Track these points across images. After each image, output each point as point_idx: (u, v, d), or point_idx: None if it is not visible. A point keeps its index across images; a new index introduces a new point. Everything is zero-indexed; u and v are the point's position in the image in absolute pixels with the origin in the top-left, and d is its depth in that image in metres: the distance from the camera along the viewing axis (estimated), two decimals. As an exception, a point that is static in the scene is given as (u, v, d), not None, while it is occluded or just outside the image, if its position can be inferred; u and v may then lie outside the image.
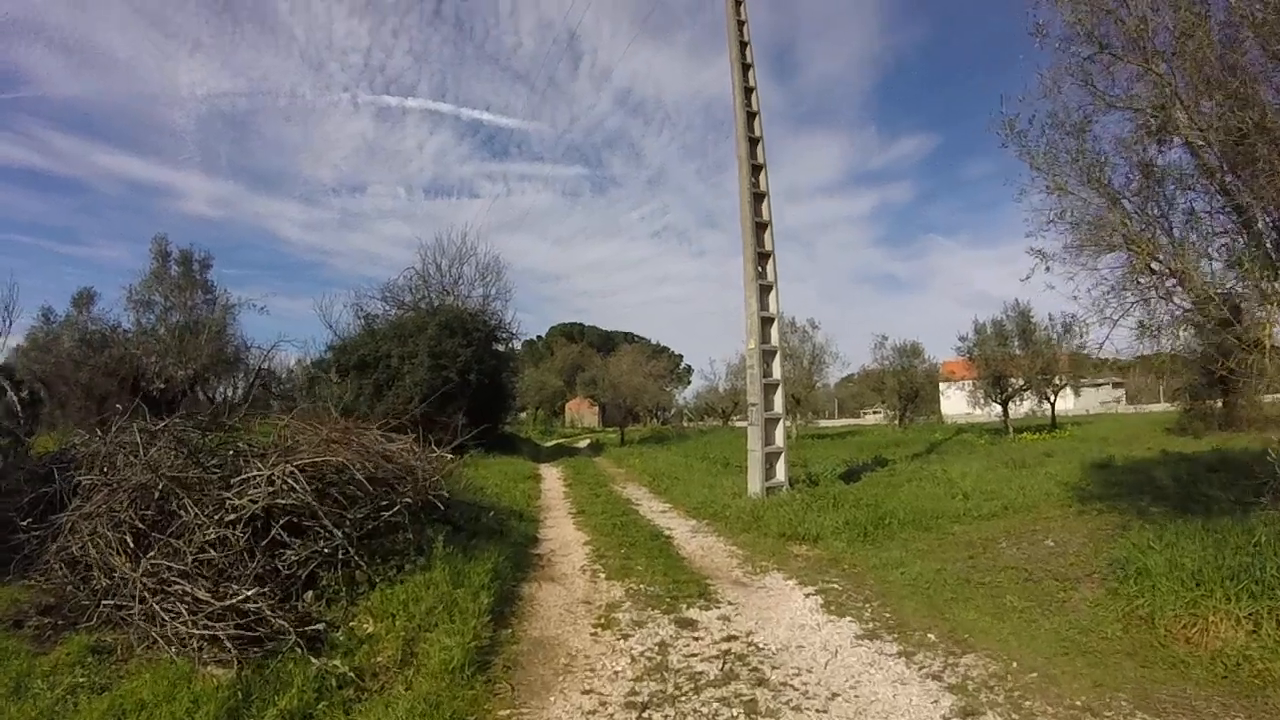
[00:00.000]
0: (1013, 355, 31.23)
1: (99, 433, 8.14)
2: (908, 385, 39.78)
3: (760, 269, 13.75)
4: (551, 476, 21.65)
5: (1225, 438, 21.53)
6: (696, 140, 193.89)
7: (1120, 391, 60.56)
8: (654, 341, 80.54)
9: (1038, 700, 4.77)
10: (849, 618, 6.73)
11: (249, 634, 5.35)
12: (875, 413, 55.29)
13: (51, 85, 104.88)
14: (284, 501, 6.61)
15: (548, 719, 4.81)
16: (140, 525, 6.32)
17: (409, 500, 7.81)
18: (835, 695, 5.01)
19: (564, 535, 11.52)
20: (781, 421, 13.70)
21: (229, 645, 5.17)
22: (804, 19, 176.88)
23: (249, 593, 5.62)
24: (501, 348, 30.96)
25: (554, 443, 48.18)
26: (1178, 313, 7.08)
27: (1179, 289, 6.93)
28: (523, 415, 67.56)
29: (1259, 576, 5.63)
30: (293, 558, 6.41)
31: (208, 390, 24.10)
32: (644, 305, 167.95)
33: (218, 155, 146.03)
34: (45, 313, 24.51)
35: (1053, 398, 33.23)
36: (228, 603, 5.50)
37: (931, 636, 6.07)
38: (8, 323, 13.47)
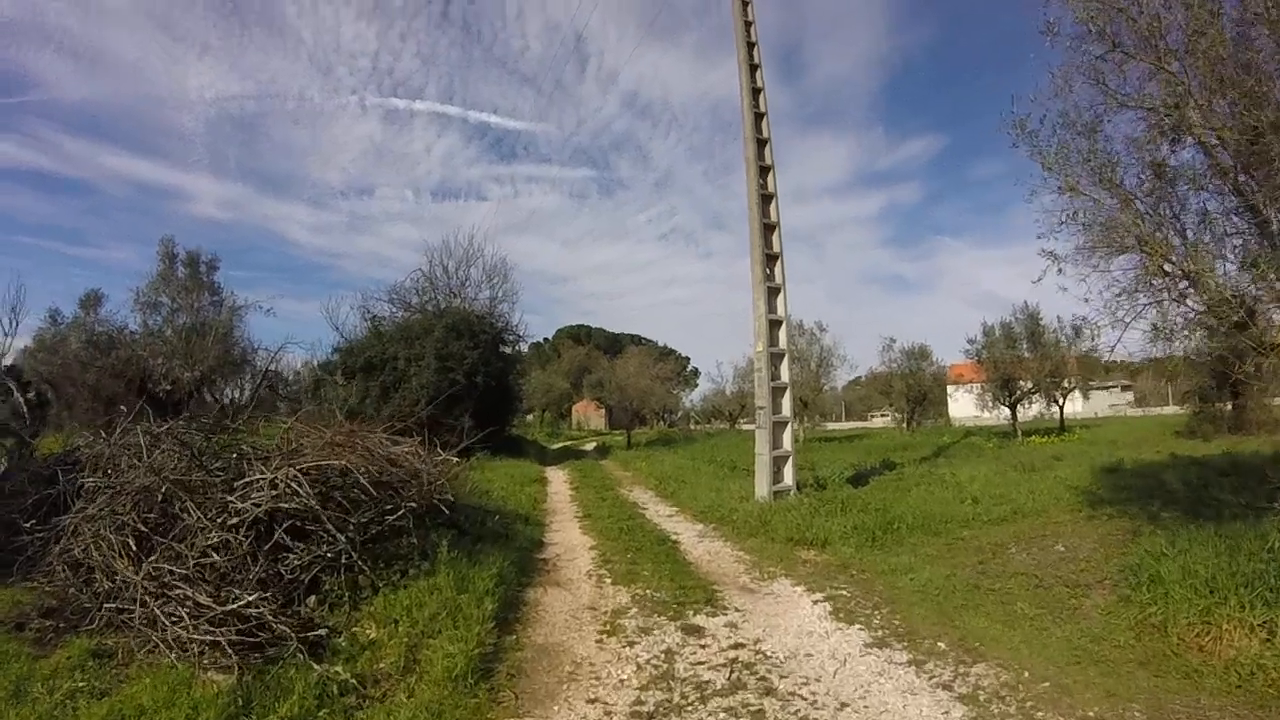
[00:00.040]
0: (1021, 358, 31.05)
1: (103, 434, 8.11)
2: (915, 388, 39.56)
3: (768, 271, 13.67)
4: (558, 479, 21.60)
5: (1235, 441, 21.39)
6: (704, 142, 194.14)
7: (1129, 394, 60.33)
8: (661, 344, 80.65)
9: (1050, 711, 4.69)
10: (858, 625, 6.66)
11: (250, 639, 5.30)
12: (883, 415, 55.01)
13: (60, 88, 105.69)
14: (287, 505, 6.56)
15: (551, 728, 4.75)
16: (143, 528, 6.28)
17: (413, 504, 7.76)
18: (844, 705, 4.94)
19: (570, 539, 11.46)
20: (790, 425, 13.61)
21: (230, 650, 5.11)
22: (811, 19, 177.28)
23: (250, 597, 5.58)
24: (508, 350, 30.89)
25: (560, 445, 48.17)
26: (1191, 315, 6.99)
27: (1192, 291, 6.84)
28: (529, 417, 67.52)
29: (1273, 584, 5.56)
30: (295, 562, 6.35)
31: (214, 392, 24.09)
32: (651, 307, 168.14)
33: (226, 158, 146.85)
34: (53, 314, 24.66)
35: (1061, 401, 33.06)
36: (229, 607, 5.45)
37: (942, 645, 5.99)
38: (14, 324, 13.45)
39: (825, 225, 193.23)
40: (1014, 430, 31.35)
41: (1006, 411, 33.00)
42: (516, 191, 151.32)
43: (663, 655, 5.98)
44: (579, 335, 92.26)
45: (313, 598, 6.27)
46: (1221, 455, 16.62)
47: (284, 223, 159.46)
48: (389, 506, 7.51)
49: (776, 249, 13.91)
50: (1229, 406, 26.22)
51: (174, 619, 5.43)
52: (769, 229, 13.90)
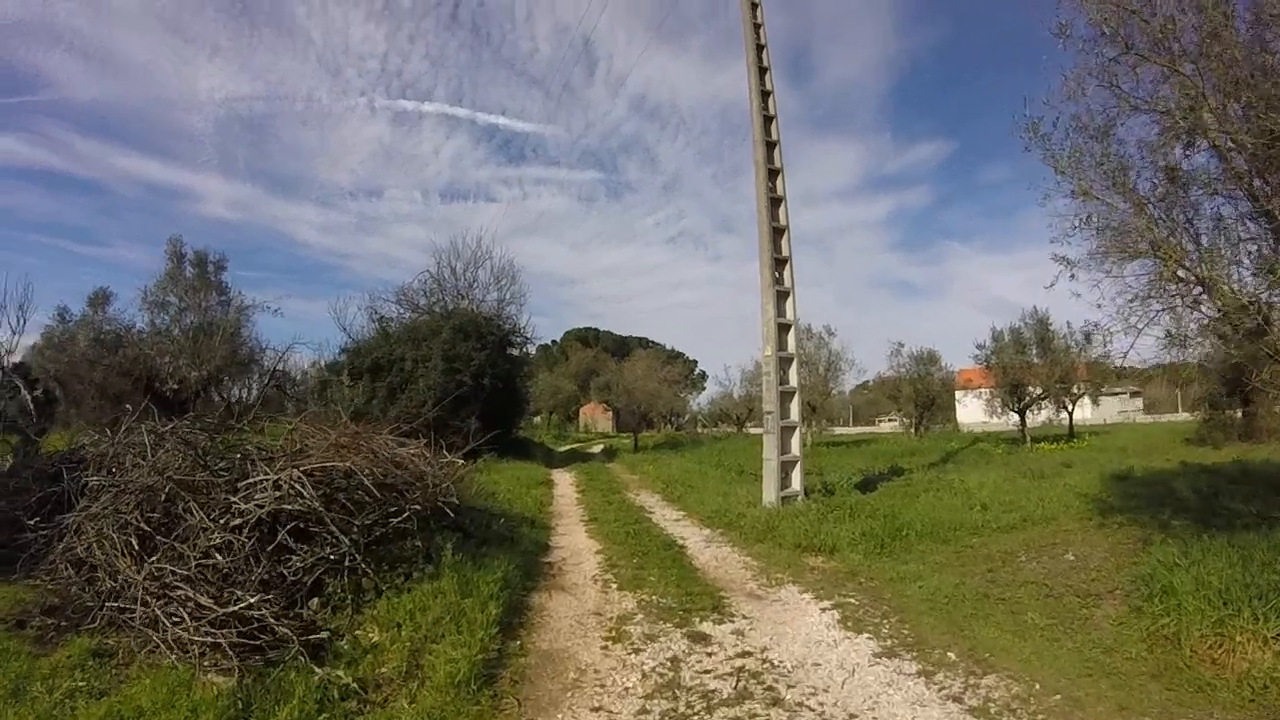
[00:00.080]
0: (1031, 363, 30.93)
1: (108, 433, 8.09)
2: (924, 393, 39.50)
3: (777, 274, 13.61)
4: (564, 482, 21.55)
5: (1245, 449, 21.25)
6: (712, 145, 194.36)
7: (1138, 401, 60.09)
8: (669, 347, 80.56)
9: (1062, 725, 4.61)
10: (866, 634, 6.57)
11: (251, 641, 5.25)
12: (890, 420, 54.95)
13: (71, 88, 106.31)
14: (290, 507, 6.51)
15: (555, 738, 4.69)
16: (146, 528, 6.24)
17: (418, 506, 7.70)
18: (853, 717, 4.87)
19: (576, 543, 11.39)
20: (798, 430, 13.53)
21: (230, 652, 5.07)
22: (819, 22, 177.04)
23: (252, 599, 5.53)
24: (516, 352, 30.86)
25: (567, 448, 48.12)
26: (1204, 321, 6.92)
27: (1206, 297, 6.76)
28: (536, 420, 67.58)
29: (1288, 596, 5.47)
30: (298, 564, 6.29)
31: (221, 391, 24.11)
32: (659, 311, 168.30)
33: (235, 158, 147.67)
34: (61, 312, 24.71)
35: (1071, 407, 32.90)
36: (230, 609, 5.40)
37: (951, 655, 5.91)
38: (22, 322, 13.46)
39: (834, 229, 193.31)
40: (1023, 436, 31.23)
41: (1015, 417, 32.87)
42: (525, 194, 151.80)
43: (669, 663, 5.91)
44: (587, 338, 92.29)
45: (315, 600, 6.22)
46: (1232, 463, 16.49)
47: (293, 223, 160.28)
48: (393, 509, 7.45)
49: (785, 252, 13.84)
50: (1239, 414, 26.06)
51: (175, 620, 5.39)
52: (778, 232, 13.83)
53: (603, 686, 5.46)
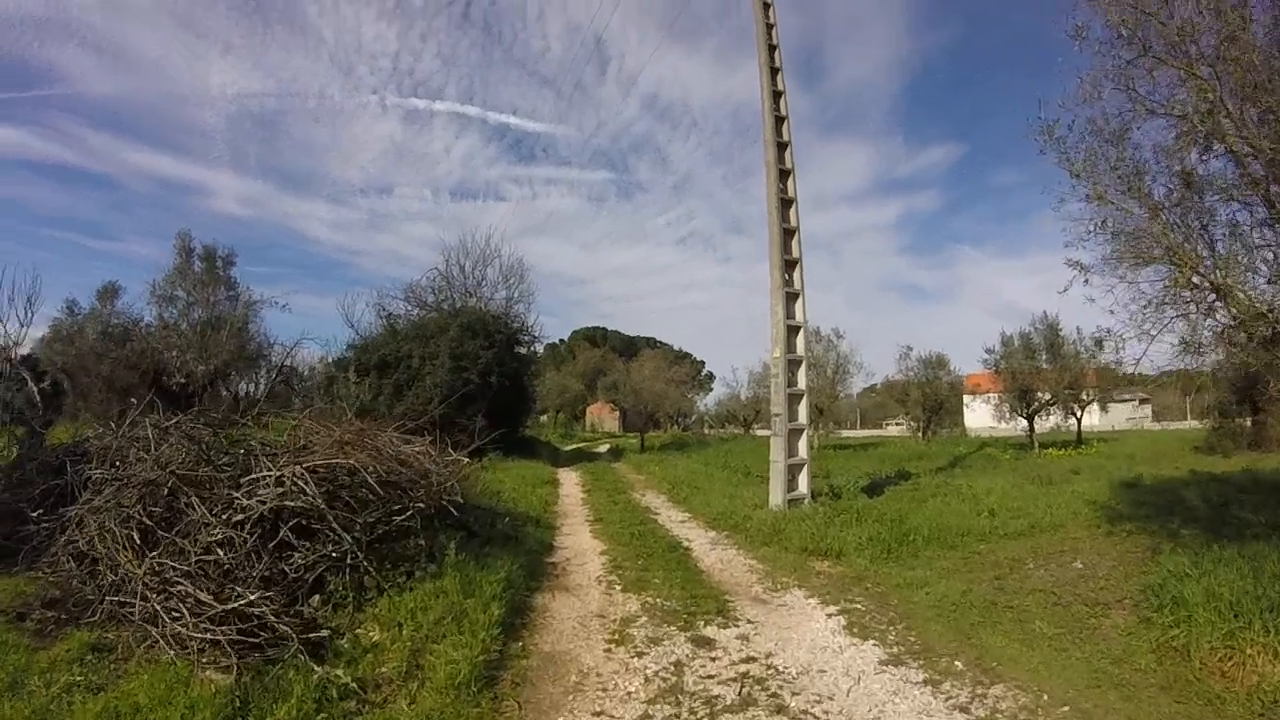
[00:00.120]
0: (1040, 369, 30.75)
1: (112, 426, 8.07)
2: (932, 397, 39.31)
3: (787, 276, 13.53)
4: (570, 481, 21.51)
5: (1255, 457, 21.12)
6: (723, 146, 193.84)
7: (1147, 408, 59.79)
8: (676, 347, 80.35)
9: (1071, 737, 4.55)
10: (872, 641, 6.50)
11: (251, 639, 5.21)
12: (897, 424, 54.67)
13: (84, 83, 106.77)
14: (293, 503, 6.47)
15: (555, 742, 4.63)
16: (148, 522, 6.21)
17: (422, 505, 7.66)
18: (858, 726, 4.80)
19: (580, 543, 11.34)
20: (806, 432, 13.45)
21: (229, 649, 5.03)
22: (831, 22, 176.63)
23: (253, 596, 5.50)
24: (523, 350, 30.91)
25: (574, 447, 48.09)
26: (1219, 329, 6.84)
27: (1220, 305, 6.68)
28: (543, 418, 67.55)
29: (1300, 608, 5.40)
30: (300, 561, 6.26)
31: (229, 386, 24.12)
32: (669, 311, 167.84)
33: (247, 155, 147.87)
34: (70, 305, 24.73)
35: (1079, 413, 32.71)
36: (229, 606, 5.36)
37: (958, 664, 5.83)
38: (30, 314, 13.44)
39: (844, 232, 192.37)
40: (1031, 442, 31.05)
41: (1022, 422, 32.69)
42: (535, 193, 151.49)
43: (672, 667, 5.85)
44: (595, 337, 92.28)
45: (316, 597, 6.18)
46: (1242, 472, 16.37)
47: (304, 220, 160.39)
48: (397, 507, 7.41)
49: (796, 254, 13.76)
50: (1249, 422, 25.89)
51: (174, 615, 5.36)
52: (788, 234, 13.75)
53: (605, 690, 5.41)
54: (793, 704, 5.13)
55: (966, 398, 47.23)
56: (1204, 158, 6.72)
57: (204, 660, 5.00)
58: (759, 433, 45.44)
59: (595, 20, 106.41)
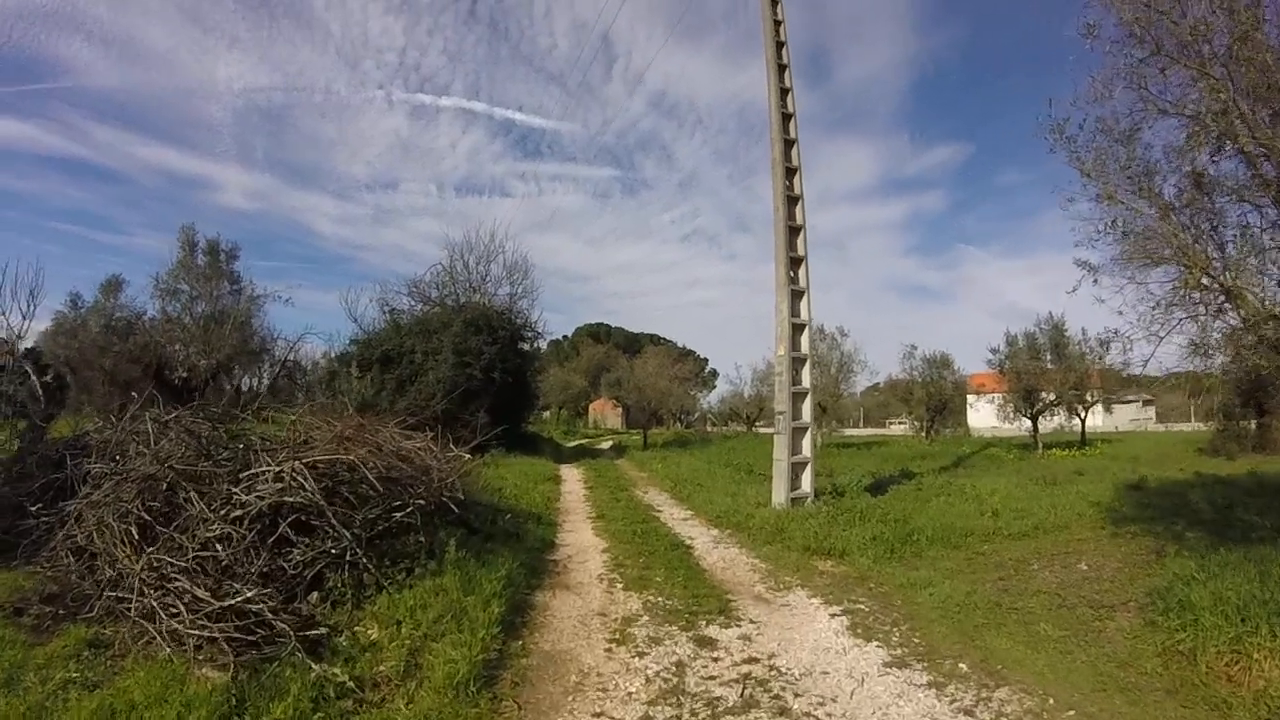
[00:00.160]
0: (1044, 369, 30.64)
1: (113, 420, 8.03)
2: (936, 396, 39.24)
3: (792, 274, 13.47)
4: (572, 478, 21.46)
5: (1260, 460, 21.13)
6: (729, 144, 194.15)
7: (1150, 409, 59.67)
8: (680, 344, 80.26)
9: (1077, 742, 4.49)
10: (876, 642, 6.43)
11: (247, 636, 5.16)
12: (900, 423, 54.59)
13: (91, 77, 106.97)
14: (292, 499, 6.42)
15: (555, 744, 4.58)
16: (146, 517, 6.16)
17: (422, 501, 7.60)
18: (862, 729, 4.74)
19: (582, 541, 11.29)
20: (809, 431, 13.39)
21: (226, 647, 4.98)
22: (838, 21, 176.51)
23: (250, 593, 5.44)
24: (526, 346, 30.86)
25: (576, 443, 48.11)
26: (1227, 331, 6.79)
27: (1230, 307, 6.63)
28: (546, 415, 67.55)
29: (1307, 613, 5.37)
30: (299, 557, 6.21)
31: (232, 380, 24.12)
32: (673, 308, 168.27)
33: (254, 149, 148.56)
34: (73, 298, 24.74)
35: (1084, 414, 32.59)
36: (226, 603, 5.31)
37: (963, 666, 5.77)
38: (32, 307, 13.42)
39: (849, 231, 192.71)
40: (1035, 442, 30.96)
41: (1025, 423, 32.59)
42: (540, 189, 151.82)
43: (673, 668, 5.79)
44: (598, 333, 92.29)
45: (315, 594, 6.13)
46: (1247, 475, 16.37)
47: (309, 214, 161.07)
48: (397, 503, 7.36)
49: (801, 252, 13.70)
50: (1253, 425, 25.82)
51: (171, 612, 5.31)
52: (794, 231, 13.69)
53: (605, 691, 5.35)
54: (796, 706, 5.07)
55: (970, 397, 47.22)
56: (1215, 158, 6.68)
57: (200, 657, 4.96)
58: (762, 430, 45.45)
59: (602, 17, 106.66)
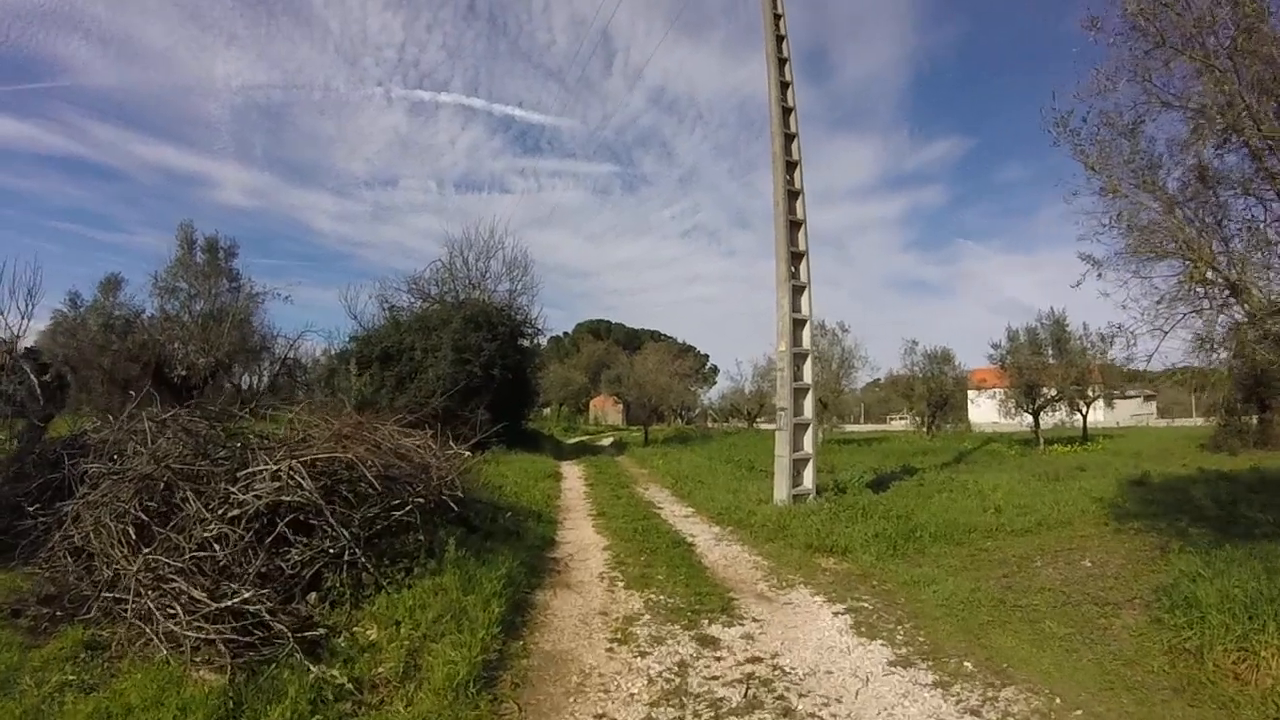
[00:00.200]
0: (1046, 365, 30.59)
1: (111, 419, 7.99)
2: (937, 392, 39.17)
3: (793, 269, 13.41)
4: (573, 475, 21.42)
5: (1262, 455, 21.05)
6: (729, 139, 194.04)
7: (1151, 405, 59.64)
8: (680, 340, 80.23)
9: (1085, 743, 4.44)
10: (880, 640, 6.38)
11: (244, 638, 5.10)
12: (901, 419, 54.50)
13: (89, 75, 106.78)
14: (289, 498, 6.36)
15: (555, 747, 4.53)
16: (143, 517, 6.11)
17: (422, 500, 7.54)
18: (867, 730, 4.68)
19: (583, 539, 11.24)
20: (811, 427, 13.34)
21: (223, 648, 4.93)
22: (837, 20, 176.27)
23: (247, 594, 5.39)
24: (526, 343, 30.79)
25: (577, 440, 48.07)
26: (1232, 325, 6.74)
27: (1234, 301, 6.57)
28: (546, 411, 67.53)
29: (1314, 611, 5.32)
30: (297, 557, 6.15)
31: (231, 378, 24.07)
32: (674, 305, 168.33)
33: (253, 146, 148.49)
34: (72, 297, 24.71)
35: (1085, 409, 32.52)
36: (223, 604, 5.25)
37: (968, 665, 5.71)
38: (30, 307, 13.36)
39: (849, 227, 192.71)
40: (1036, 438, 30.92)
41: (1027, 418, 32.55)
42: (540, 185, 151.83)
43: (676, 668, 5.73)
44: (598, 330, 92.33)
45: (313, 594, 6.07)
46: (1249, 470, 16.30)
47: (308, 211, 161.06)
48: (396, 501, 7.30)
49: (802, 247, 13.64)
50: (1255, 420, 25.76)
51: (169, 613, 5.25)
52: (795, 226, 13.63)
53: (606, 692, 5.29)
54: (800, 707, 5.01)
55: (971, 393, 47.08)
56: (1219, 152, 6.61)
57: (198, 659, 4.90)
58: (763, 426, 45.38)
59: (601, 12, 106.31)
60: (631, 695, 5.21)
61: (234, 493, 6.29)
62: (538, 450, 27.37)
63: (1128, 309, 6.91)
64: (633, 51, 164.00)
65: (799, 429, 13.14)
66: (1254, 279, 6.45)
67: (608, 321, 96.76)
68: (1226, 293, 6.58)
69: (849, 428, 51.38)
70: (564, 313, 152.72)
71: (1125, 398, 44.05)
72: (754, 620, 7.01)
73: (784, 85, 13.95)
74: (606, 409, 79.29)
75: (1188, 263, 6.61)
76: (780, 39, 14.12)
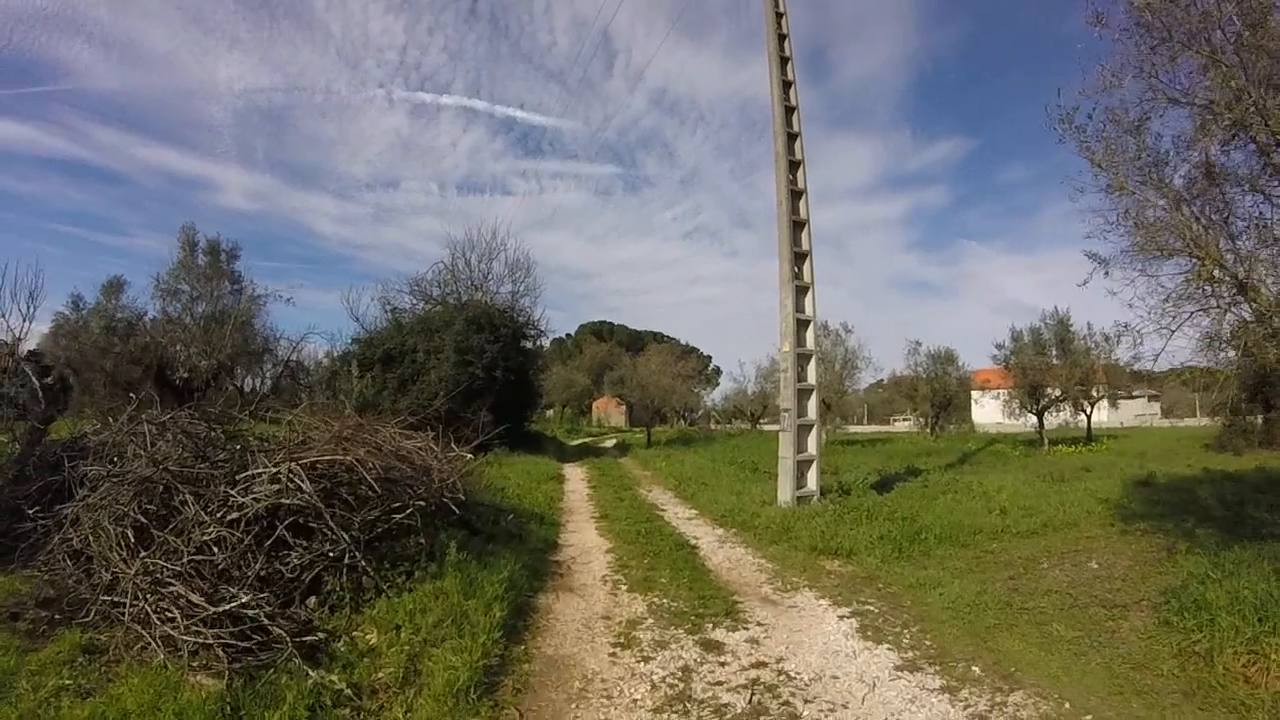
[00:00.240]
0: (1050, 365, 30.53)
1: (111, 421, 7.95)
2: (941, 393, 39.14)
3: (796, 269, 13.35)
4: (576, 477, 21.35)
5: (1267, 455, 21.04)
6: (731, 140, 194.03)
7: (1156, 405, 59.55)
8: (683, 342, 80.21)
9: (1096, 749, 4.38)
10: (886, 644, 6.30)
11: (243, 642, 5.04)
12: (905, 420, 54.50)
13: (91, 78, 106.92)
14: (289, 501, 6.30)
15: (557, 754, 4.47)
16: (142, 520, 6.06)
17: (423, 502, 7.48)
18: (875, 737, 4.61)
19: (585, 541, 11.17)
20: (815, 428, 13.28)
21: (221, 653, 4.87)
22: (839, 20, 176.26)
23: (245, 598, 5.33)
24: (529, 345, 30.76)
25: (580, 441, 48.02)
26: (1239, 324, 6.68)
27: (1242, 299, 6.51)
28: (549, 413, 67.51)
29: (1325, 612, 5.26)
30: (296, 561, 6.09)
31: (233, 380, 24.08)
32: (676, 306, 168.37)
33: (254, 149, 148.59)
34: (75, 300, 24.73)
35: (1089, 410, 32.44)
36: (222, 608, 5.20)
37: (976, 669, 5.64)
38: (32, 309, 13.36)
39: (851, 227, 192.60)
40: (1040, 438, 30.85)
41: (1031, 419, 32.49)
42: (541, 187, 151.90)
43: (679, 673, 5.66)
44: (601, 331, 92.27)
45: (313, 598, 6.00)
46: (1255, 471, 16.25)
47: (310, 214, 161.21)
48: (397, 504, 7.24)
49: (805, 247, 13.59)
50: (1260, 420, 25.68)
51: (166, 617, 5.19)
52: (798, 226, 13.58)
53: (609, 698, 5.22)
54: (805, 713, 4.94)
55: (975, 393, 47.02)
56: (1226, 148, 6.56)
57: (195, 664, 4.84)
58: (766, 427, 45.31)
59: (602, 14, 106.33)
60: (634, 701, 5.14)
61: (233, 495, 6.23)
62: (540, 452, 27.29)
63: (1134, 307, 6.86)
64: (634, 53, 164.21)
65: (803, 430, 13.08)
66: (1262, 276, 6.39)
67: (610, 323, 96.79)
68: (1234, 290, 6.52)
69: (852, 429, 51.38)
70: (566, 314, 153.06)
71: (1129, 398, 43.98)
72: (758, 624, 6.94)
73: (786, 84, 13.89)
74: (609, 411, 79.28)
75: (1195, 260, 6.55)
76: (782, 38, 14.07)
